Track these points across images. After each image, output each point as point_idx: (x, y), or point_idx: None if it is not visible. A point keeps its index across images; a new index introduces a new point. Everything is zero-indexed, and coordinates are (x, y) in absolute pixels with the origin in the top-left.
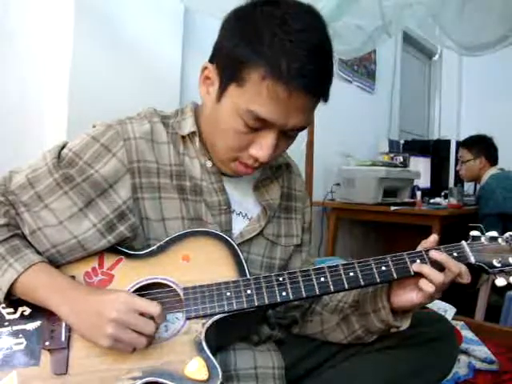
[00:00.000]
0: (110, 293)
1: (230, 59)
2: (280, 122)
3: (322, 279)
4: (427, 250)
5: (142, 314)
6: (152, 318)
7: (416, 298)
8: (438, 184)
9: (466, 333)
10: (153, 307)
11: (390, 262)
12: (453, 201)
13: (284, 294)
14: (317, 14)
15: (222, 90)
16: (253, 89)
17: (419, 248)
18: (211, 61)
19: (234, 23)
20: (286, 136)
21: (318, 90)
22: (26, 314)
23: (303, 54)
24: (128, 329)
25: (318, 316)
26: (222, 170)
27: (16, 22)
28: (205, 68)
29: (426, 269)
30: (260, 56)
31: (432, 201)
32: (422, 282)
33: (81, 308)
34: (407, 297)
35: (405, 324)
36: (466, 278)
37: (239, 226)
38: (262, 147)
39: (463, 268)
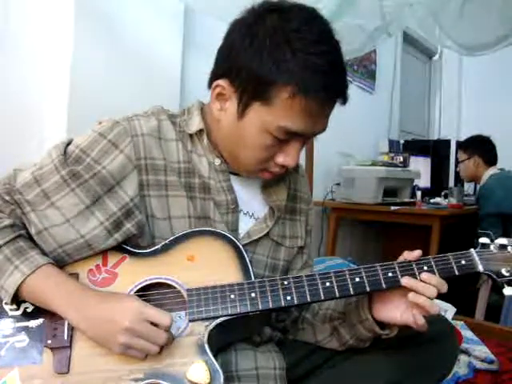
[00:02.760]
0: (122, 300)
1: (253, 78)
2: (309, 131)
3: (328, 284)
4: (435, 257)
5: (152, 323)
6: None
7: (400, 318)
8: (438, 184)
9: (466, 333)
10: (165, 318)
11: (396, 269)
12: (453, 201)
13: (289, 298)
14: (319, 15)
15: (244, 107)
16: (282, 106)
17: (401, 258)
18: (223, 76)
19: (250, 41)
20: (307, 140)
21: (343, 95)
22: (28, 310)
23: (325, 66)
24: (140, 338)
25: (310, 325)
26: (242, 174)
27: (16, 22)
28: (217, 86)
29: (417, 285)
30: (286, 75)
31: (432, 201)
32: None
33: (91, 314)
34: (390, 315)
35: (393, 331)
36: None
37: (246, 225)
38: (290, 155)
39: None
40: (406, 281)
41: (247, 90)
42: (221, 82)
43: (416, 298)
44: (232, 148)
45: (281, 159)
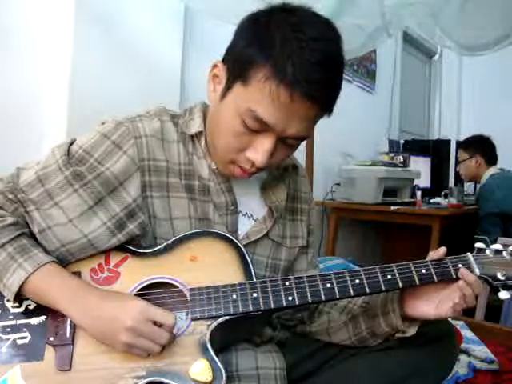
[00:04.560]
0: (125, 299)
1: (239, 58)
2: (279, 126)
3: (328, 285)
4: (433, 261)
5: (155, 323)
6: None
7: (434, 311)
8: (438, 184)
9: (466, 333)
10: (169, 318)
11: (395, 271)
12: (453, 200)
13: (290, 298)
14: (333, 26)
15: (227, 88)
16: (256, 88)
17: (428, 258)
18: (223, 59)
19: (249, 25)
20: (286, 144)
21: (322, 99)
22: (30, 308)
23: (312, 62)
24: (142, 337)
25: (326, 315)
26: (221, 171)
27: (16, 21)
28: (215, 66)
29: (471, 277)
30: (268, 57)
31: (432, 200)
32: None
33: (94, 313)
34: (423, 309)
35: (411, 330)
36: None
37: (245, 226)
38: (258, 151)
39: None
40: (464, 272)
41: (233, 70)
42: (218, 63)
43: (471, 295)
44: (212, 135)
45: (250, 154)
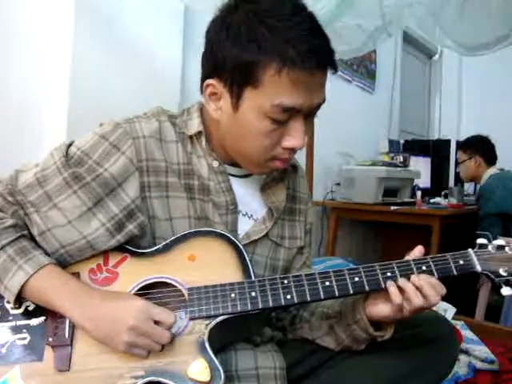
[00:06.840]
0: (126, 299)
1: (238, 66)
2: (306, 105)
3: (327, 283)
4: (434, 257)
5: (156, 322)
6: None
7: (388, 312)
8: (438, 184)
9: (466, 333)
10: (169, 317)
11: (395, 268)
12: (453, 200)
13: (289, 297)
14: None
15: (237, 98)
16: (272, 84)
17: (406, 257)
18: (211, 76)
19: (226, 32)
20: (310, 117)
21: (329, 62)
22: (30, 309)
23: (304, 35)
24: (144, 336)
25: (307, 323)
26: (254, 173)
27: (16, 21)
28: (207, 85)
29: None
30: (267, 52)
31: (432, 200)
32: (393, 295)
33: (95, 313)
34: (379, 309)
35: (388, 333)
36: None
37: (244, 226)
38: (295, 136)
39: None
40: (392, 289)
41: (235, 80)
42: (210, 81)
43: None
44: (237, 144)
45: (287, 143)
